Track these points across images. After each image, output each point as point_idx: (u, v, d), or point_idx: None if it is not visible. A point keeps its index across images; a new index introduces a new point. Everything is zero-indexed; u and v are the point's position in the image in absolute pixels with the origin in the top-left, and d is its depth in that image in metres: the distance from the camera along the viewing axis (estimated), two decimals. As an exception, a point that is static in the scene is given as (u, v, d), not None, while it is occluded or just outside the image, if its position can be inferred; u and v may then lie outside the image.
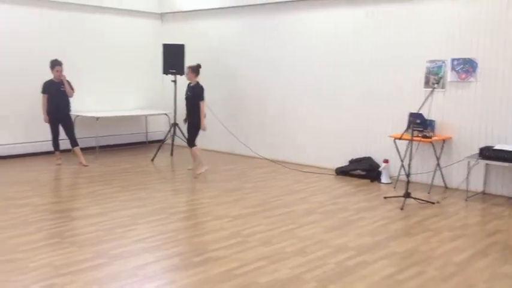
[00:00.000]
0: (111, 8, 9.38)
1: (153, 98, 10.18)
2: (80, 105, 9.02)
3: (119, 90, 9.72)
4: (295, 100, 8.37)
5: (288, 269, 3.97)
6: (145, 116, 10.07)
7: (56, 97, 7.70)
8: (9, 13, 8.13)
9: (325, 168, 7.96)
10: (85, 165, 7.86)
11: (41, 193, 6.22)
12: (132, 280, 3.70)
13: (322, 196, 6.33)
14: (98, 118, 8.71)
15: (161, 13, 10.19)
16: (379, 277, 3.85)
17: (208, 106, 9.01)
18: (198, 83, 7.49)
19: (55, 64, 7.66)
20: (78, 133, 9.00)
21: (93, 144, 8.94)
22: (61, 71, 7.68)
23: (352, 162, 7.61)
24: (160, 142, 9.11)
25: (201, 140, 9.32)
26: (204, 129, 7.41)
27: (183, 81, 7.99)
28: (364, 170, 7.33)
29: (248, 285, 3.66)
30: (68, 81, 7.81)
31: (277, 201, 6.07)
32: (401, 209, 5.76)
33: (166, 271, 3.90)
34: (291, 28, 8.31)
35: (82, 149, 8.44)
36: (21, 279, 3.67)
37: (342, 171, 7.56)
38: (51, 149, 8.01)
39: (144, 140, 10.24)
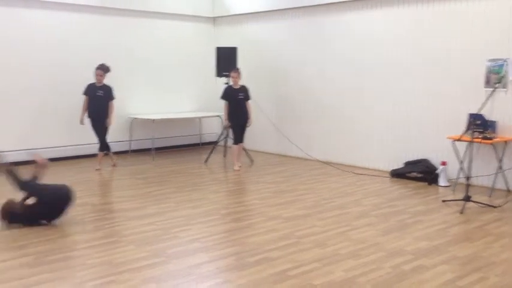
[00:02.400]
0: (164, 13, 9.59)
1: (207, 101, 10.32)
2: (136, 108, 9.31)
3: (174, 93, 9.93)
4: (347, 101, 8.25)
5: (342, 271, 3.91)
6: (199, 118, 10.23)
7: (93, 100, 7.75)
8: (61, 20, 8.40)
9: (379, 171, 7.80)
10: (97, 169, 7.81)
11: (98, 193, 6.43)
12: (188, 279, 3.75)
13: (376, 198, 6.20)
14: (153, 120, 8.92)
15: (214, 17, 10.33)
16: (439, 282, 3.72)
17: (260, 107, 9.06)
18: (243, 85, 8.10)
19: (96, 68, 7.74)
20: (136, 135, 9.30)
21: (149, 145, 9.17)
22: (100, 74, 7.72)
23: (407, 164, 7.41)
24: (214, 144, 9.22)
25: (252, 141, 9.41)
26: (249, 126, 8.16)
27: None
28: (420, 172, 7.12)
29: (302, 286, 3.62)
30: (108, 86, 7.83)
31: (330, 203, 5.99)
32: (461, 212, 5.55)
33: (221, 271, 3.92)
34: (342, 29, 8.20)
35: (139, 151, 8.69)
36: (80, 275, 3.79)
37: (397, 174, 7.38)
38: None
39: (198, 141, 10.40)
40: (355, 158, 8.20)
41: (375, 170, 7.87)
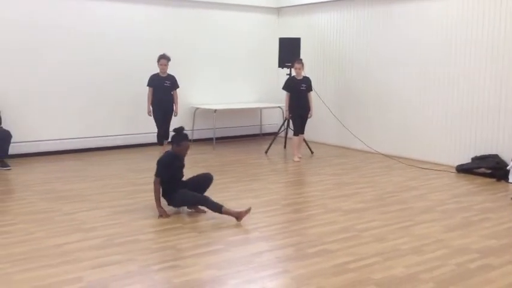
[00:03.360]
0: (228, 4, 9.68)
1: (268, 91, 10.37)
2: (199, 99, 9.50)
3: (235, 83, 10.04)
4: (411, 92, 8.02)
5: (403, 267, 3.84)
6: (260, 109, 10.30)
7: (160, 91, 7.83)
8: (125, 12, 8.60)
9: (444, 165, 7.54)
10: None
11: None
12: (248, 267, 3.82)
13: (441, 194, 6.01)
14: (215, 110, 9.08)
15: (278, 7, 10.32)
16: (506, 282, 3.57)
17: (322, 99, 8.99)
18: (305, 76, 8.10)
19: (160, 58, 7.78)
20: (197, 125, 9.50)
21: (210, 135, 9.35)
22: (165, 64, 7.77)
23: (475, 159, 7.12)
24: (274, 135, 9.26)
25: (313, 132, 9.37)
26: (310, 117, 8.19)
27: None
28: (489, 168, 6.83)
29: (362, 280, 3.59)
30: (172, 75, 7.92)
31: (392, 197, 5.88)
32: (532, 211, 5.29)
33: (281, 260, 3.96)
34: (408, 18, 7.96)
35: (201, 140, 8.81)
36: (146, 258, 3.95)
37: (463, 169, 7.12)
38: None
39: (258, 132, 10.48)
40: (420, 152, 7.98)
41: (440, 164, 7.62)
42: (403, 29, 8.09)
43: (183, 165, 5.30)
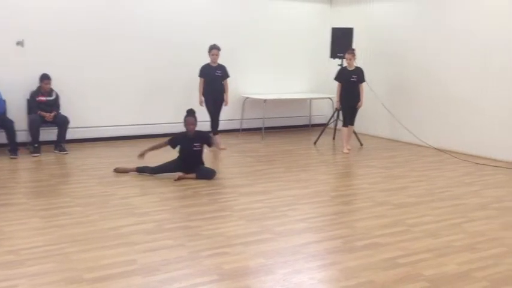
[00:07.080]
0: (281, -6, 9.64)
1: (318, 82, 10.27)
2: (248, 88, 9.52)
3: (286, 73, 9.99)
4: (466, 85, 7.74)
5: (456, 264, 3.74)
6: (310, 100, 10.23)
7: (211, 80, 7.89)
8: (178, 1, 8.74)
9: (501, 161, 7.27)
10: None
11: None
12: (296, 257, 3.82)
13: (497, 191, 5.80)
14: (265, 100, 9.08)
15: (329, -3, 10.20)
16: None
17: (373, 90, 8.83)
18: (358, 66, 7.94)
19: (211, 48, 7.84)
20: (247, 114, 9.53)
21: (259, 125, 9.37)
22: (216, 54, 7.83)
23: (534, 156, 6.83)
24: (323, 126, 9.18)
25: (363, 124, 9.23)
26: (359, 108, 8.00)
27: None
28: (549, 165, 6.53)
29: (413, 276, 3.53)
30: (223, 65, 7.94)
31: (445, 192, 5.72)
32: None
33: (329, 252, 3.95)
34: (466, 9, 7.66)
35: (249, 130, 8.84)
36: (195, 245, 4.02)
37: (521, 165, 6.85)
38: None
39: (307, 123, 10.42)
40: (475, 147, 7.71)
41: (496, 160, 7.34)
42: (460, 20, 7.80)
43: (192, 144, 6.14)
